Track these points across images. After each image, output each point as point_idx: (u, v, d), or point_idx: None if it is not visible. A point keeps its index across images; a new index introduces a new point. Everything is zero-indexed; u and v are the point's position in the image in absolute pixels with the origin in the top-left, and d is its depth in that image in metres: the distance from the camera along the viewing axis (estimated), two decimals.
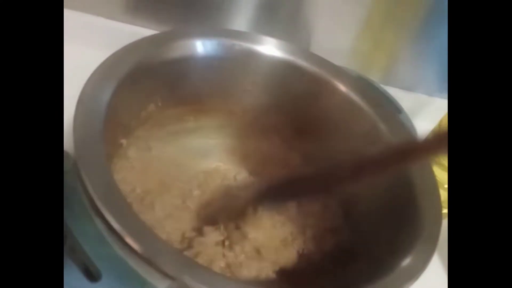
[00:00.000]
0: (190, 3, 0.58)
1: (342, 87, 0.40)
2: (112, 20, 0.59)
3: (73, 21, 0.52)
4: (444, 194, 0.52)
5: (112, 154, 0.36)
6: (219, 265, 0.36)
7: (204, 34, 0.38)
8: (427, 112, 0.65)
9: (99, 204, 0.25)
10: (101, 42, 0.54)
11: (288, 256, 0.39)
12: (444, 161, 0.49)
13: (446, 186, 0.51)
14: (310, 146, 0.46)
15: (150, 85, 0.37)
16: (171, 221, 0.37)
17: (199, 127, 0.45)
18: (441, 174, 0.51)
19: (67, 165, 0.29)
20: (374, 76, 0.63)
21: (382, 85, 0.59)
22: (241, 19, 0.61)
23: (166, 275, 0.25)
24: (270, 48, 0.40)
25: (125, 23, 0.60)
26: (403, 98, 0.60)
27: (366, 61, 0.68)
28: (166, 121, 0.42)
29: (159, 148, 0.43)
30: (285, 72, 0.41)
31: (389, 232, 0.34)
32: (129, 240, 0.24)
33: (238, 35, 0.40)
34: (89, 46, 0.50)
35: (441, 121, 0.52)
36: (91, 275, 0.24)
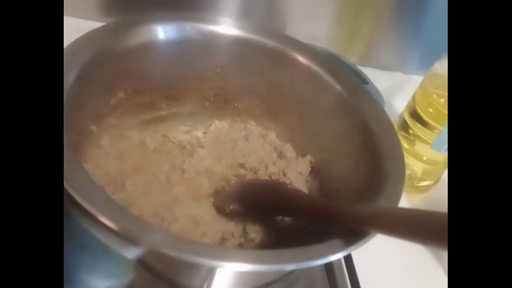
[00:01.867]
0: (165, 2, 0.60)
1: (302, 60, 0.41)
2: (84, 20, 0.60)
3: None
4: (423, 166, 0.53)
5: (81, 141, 0.37)
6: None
7: (163, 19, 0.39)
8: (404, 90, 0.66)
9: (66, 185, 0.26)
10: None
11: None
12: (422, 135, 0.50)
13: (425, 158, 0.52)
14: (284, 126, 0.46)
15: (115, 71, 0.38)
16: (143, 198, 0.37)
17: (172, 114, 0.46)
18: (420, 146, 0.51)
19: None
20: (352, 59, 0.64)
21: (359, 66, 0.60)
22: (218, 10, 0.63)
23: (130, 240, 0.25)
24: (228, 28, 0.41)
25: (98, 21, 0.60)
26: (380, 77, 0.61)
27: (343, 46, 0.69)
28: (138, 108, 0.43)
29: (134, 137, 0.43)
30: (247, 51, 0.42)
31: (359, 194, 0.35)
32: (100, 217, 0.25)
33: (197, 18, 0.41)
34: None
35: (413, 96, 0.53)
36: None
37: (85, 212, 0.25)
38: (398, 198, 0.32)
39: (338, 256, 0.28)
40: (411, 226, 0.26)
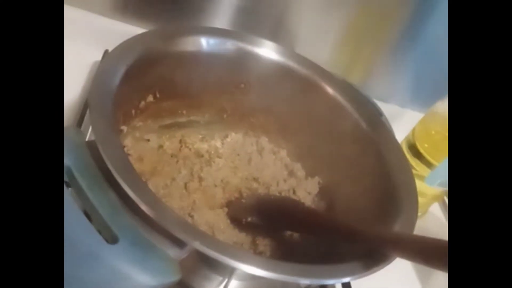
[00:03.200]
0: (177, 4, 0.61)
1: (329, 89, 0.43)
2: (100, 16, 0.60)
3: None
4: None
5: None
6: None
7: (207, 32, 0.40)
8: (399, 122, 0.69)
9: (117, 177, 0.27)
10: (89, 37, 0.56)
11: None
12: (418, 169, 0.53)
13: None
14: (296, 146, 0.48)
15: (153, 75, 0.39)
16: (163, 200, 0.38)
17: (190, 122, 0.47)
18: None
19: (81, 140, 0.30)
20: None
21: None
22: (224, 22, 0.64)
23: (178, 241, 0.26)
24: (266, 50, 0.43)
25: (113, 19, 0.61)
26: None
27: (343, 72, 0.72)
28: (161, 113, 0.44)
29: (153, 140, 0.44)
30: (277, 74, 0.44)
31: (370, 218, 0.37)
32: (144, 208, 0.26)
33: (239, 36, 0.43)
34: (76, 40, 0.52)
35: (412, 131, 0.56)
36: (109, 238, 0.25)
37: (134, 209, 0.26)
38: (412, 226, 0.35)
39: (362, 276, 0.30)
40: (433, 253, 0.28)
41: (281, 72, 0.44)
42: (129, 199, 0.27)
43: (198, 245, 0.26)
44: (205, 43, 0.40)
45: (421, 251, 0.29)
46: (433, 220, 0.59)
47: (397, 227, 0.34)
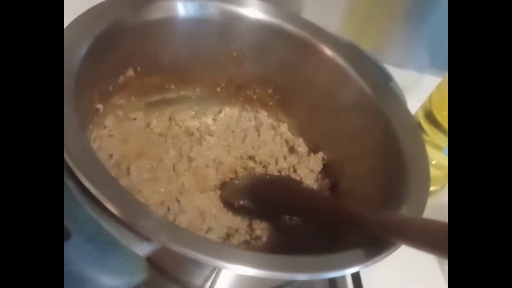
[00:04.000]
0: None
1: (328, 52, 0.39)
2: None
3: None
4: (431, 170, 0.51)
5: (88, 121, 0.34)
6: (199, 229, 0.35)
7: None
8: (417, 89, 0.64)
9: (73, 168, 0.23)
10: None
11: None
12: (435, 138, 0.48)
13: (434, 162, 0.50)
14: (297, 119, 0.44)
15: (128, 47, 0.35)
16: (148, 184, 0.35)
17: (180, 97, 0.43)
18: (430, 150, 0.50)
19: None
20: None
21: None
22: None
23: (143, 237, 0.23)
24: (254, 11, 0.38)
25: None
26: (393, 74, 0.59)
27: (355, 39, 0.67)
28: (146, 89, 0.40)
29: (139, 119, 0.41)
30: (270, 37, 0.39)
31: (377, 199, 0.33)
32: (107, 204, 0.22)
33: None
34: None
35: (429, 98, 0.51)
36: None
37: (95, 200, 0.23)
38: (422, 208, 0.30)
39: (361, 268, 0.26)
40: (444, 240, 0.24)
41: (273, 34, 0.39)
42: (88, 190, 0.23)
43: (164, 241, 0.22)
44: (182, 7, 0.35)
45: (429, 238, 0.25)
46: None
47: (404, 211, 0.30)
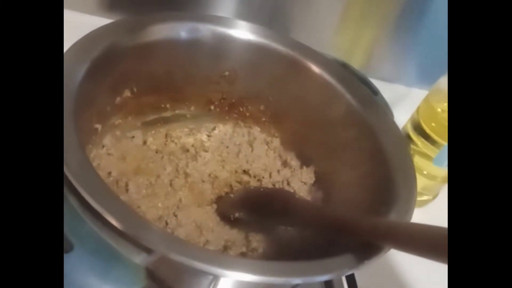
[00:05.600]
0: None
1: (316, 69, 0.40)
2: (85, 14, 0.59)
3: None
4: (423, 180, 0.53)
5: (87, 141, 0.36)
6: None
7: (178, 18, 0.38)
8: (405, 102, 0.66)
9: (75, 183, 0.24)
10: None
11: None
12: (425, 149, 0.50)
13: (425, 172, 0.52)
14: (289, 134, 0.46)
15: (124, 69, 0.36)
16: (147, 201, 0.36)
17: (176, 116, 0.45)
18: (420, 160, 0.51)
19: None
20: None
21: None
22: (219, 12, 0.62)
23: (143, 248, 0.24)
24: (244, 32, 0.40)
25: (101, 17, 0.59)
26: (382, 89, 0.61)
27: (345, 56, 0.69)
28: (142, 109, 0.42)
29: (136, 137, 0.42)
30: (260, 56, 0.41)
31: (367, 207, 0.35)
32: (108, 217, 0.24)
33: (212, 19, 0.40)
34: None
35: (417, 110, 0.53)
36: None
37: (96, 215, 0.24)
38: (410, 213, 0.32)
39: (353, 271, 0.28)
40: (430, 243, 0.25)
41: (263, 54, 0.41)
42: (89, 205, 0.24)
43: (163, 251, 0.24)
44: (175, 30, 0.37)
45: (417, 241, 0.26)
46: (445, 203, 0.55)
47: (393, 216, 0.31)
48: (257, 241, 0.39)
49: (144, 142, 0.42)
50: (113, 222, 0.24)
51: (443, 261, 0.24)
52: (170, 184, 0.40)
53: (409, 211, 0.31)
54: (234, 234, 0.39)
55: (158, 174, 0.40)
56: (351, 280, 0.42)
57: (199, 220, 0.38)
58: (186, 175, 0.41)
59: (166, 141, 0.43)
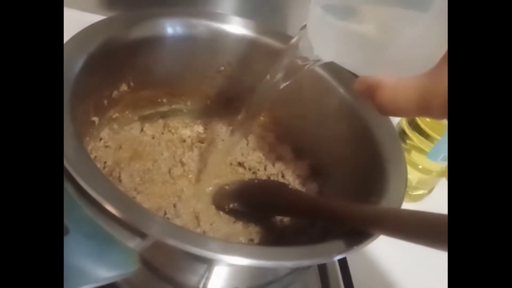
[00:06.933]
0: None
1: None
2: (85, 12, 0.59)
3: None
4: (418, 175, 0.53)
5: (84, 133, 0.36)
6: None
7: (172, 14, 0.39)
8: None
9: (68, 167, 0.25)
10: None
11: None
12: (420, 144, 0.50)
13: (421, 166, 0.52)
14: (284, 128, 0.46)
15: (121, 63, 0.37)
16: (144, 189, 0.37)
17: (173, 110, 0.46)
18: (416, 155, 0.52)
19: None
20: None
21: None
22: (217, 9, 0.62)
23: (137, 232, 0.25)
24: (238, 27, 0.41)
25: (100, 15, 0.60)
26: None
27: None
28: (139, 103, 0.43)
29: (133, 131, 0.43)
30: (254, 51, 0.42)
31: (359, 197, 0.35)
32: (102, 202, 0.24)
33: (207, 15, 0.40)
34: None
35: None
36: None
37: (92, 201, 0.25)
38: (400, 201, 0.32)
39: (341, 256, 0.28)
40: (417, 228, 0.26)
41: (257, 49, 0.41)
42: (84, 190, 0.25)
43: (155, 233, 0.24)
44: (170, 26, 0.38)
45: (405, 227, 0.27)
46: (441, 197, 0.56)
47: (384, 204, 0.32)
48: (254, 232, 0.39)
49: (141, 129, 0.43)
50: (108, 207, 0.25)
51: (430, 245, 0.25)
52: (168, 172, 0.40)
53: (399, 198, 0.32)
54: (230, 225, 0.39)
55: (155, 159, 0.41)
56: (344, 265, 0.43)
57: (197, 211, 0.38)
58: (182, 164, 0.41)
59: (164, 131, 0.44)
